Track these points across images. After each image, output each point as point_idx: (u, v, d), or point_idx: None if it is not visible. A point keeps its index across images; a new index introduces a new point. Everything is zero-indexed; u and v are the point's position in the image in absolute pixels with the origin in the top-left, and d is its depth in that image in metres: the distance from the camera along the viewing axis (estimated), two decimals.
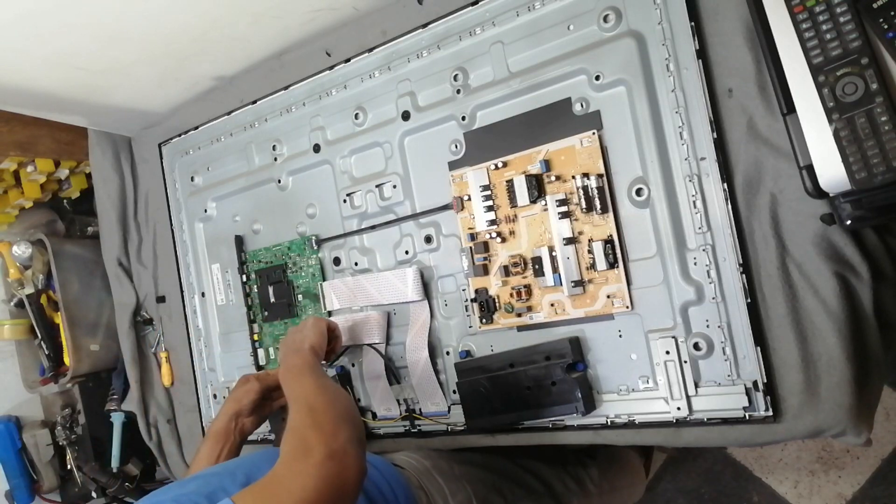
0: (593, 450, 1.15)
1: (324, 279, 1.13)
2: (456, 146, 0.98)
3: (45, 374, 1.49)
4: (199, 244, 1.31)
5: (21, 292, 1.49)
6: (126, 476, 1.50)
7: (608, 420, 0.88)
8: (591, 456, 1.14)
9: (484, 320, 0.95)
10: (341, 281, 1.10)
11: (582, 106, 0.88)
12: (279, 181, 1.18)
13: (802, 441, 1.36)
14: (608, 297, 0.86)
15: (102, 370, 1.49)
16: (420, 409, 1.04)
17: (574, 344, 0.88)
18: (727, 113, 0.79)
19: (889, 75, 0.64)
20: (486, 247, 0.95)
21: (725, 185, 0.79)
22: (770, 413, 0.77)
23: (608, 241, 0.85)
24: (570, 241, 0.88)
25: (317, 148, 1.12)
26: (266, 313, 1.20)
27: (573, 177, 0.87)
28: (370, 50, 1.05)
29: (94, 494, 1.51)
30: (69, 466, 1.55)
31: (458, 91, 0.97)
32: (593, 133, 0.86)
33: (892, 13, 0.64)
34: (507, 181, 0.92)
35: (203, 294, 1.30)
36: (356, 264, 1.10)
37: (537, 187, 0.90)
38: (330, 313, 1.12)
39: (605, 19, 0.85)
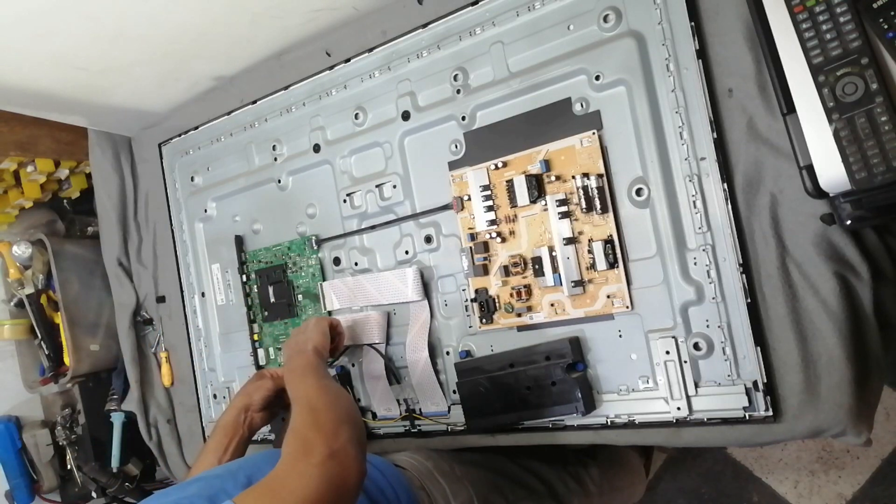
0: (593, 450, 1.15)
1: (324, 279, 1.13)
2: (456, 146, 0.98)
3: (45, 374, 1.49)
4: (199, 244, 1.31)
5: (21, 292, 1.49)
6: (126, 476, 1.50)
7: (608, 420, 0.88)
8: (591, 456, 1.14)
9: (484, 320, 0.95)
10: (341, 281, 1.10)
11: (582, 106, 0.88)
12: (279, 181, 1.18)
13: (802, 441, 1.36)
14: (608, 297, 0.86)
15: (102, 370, 1.49)
16: (420, 409, 1.04)
17: (574, 344, 0.88)
18: (727, 113, 0.79)
19: (889, 75, 0.64)
20: (486, 247, 0.95)
21: (725, 185, 0.79)
22: (770, 413, 0.77)
23: (608, 241, 0.85)
24: (570, 241, 0.88)
25: (317, 148, 1.12)
26: (266, 313, 1.20)
27: (573, 177, 0.87)
28: (370, 50, 1.05)
29: (94, 494, 1.51)
30: (69, 466, 1.55)
31: (458, 91, 0.97)
32: (593, 133, 0.86)
33: (892, 13, 0.64)
34: (507, 181, 0.92)
35: (203, 294, 1.30)
36: (356, 264, 1.10)
37: (537, 187, 0.90)
38: (330, 313, 1.12)
39: (605, 19, 0.85)
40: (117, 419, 1.47)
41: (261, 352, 1.22)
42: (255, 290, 1.22)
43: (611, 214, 0.85)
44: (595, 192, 0.85)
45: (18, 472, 1.53)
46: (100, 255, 1.44)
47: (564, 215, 0.88)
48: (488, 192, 0.94)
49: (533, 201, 0.90)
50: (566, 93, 0.89)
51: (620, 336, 0.87)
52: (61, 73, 1.09)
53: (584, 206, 0.86)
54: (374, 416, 1.09)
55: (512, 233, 0.93)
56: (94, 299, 1.46)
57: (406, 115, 1.02)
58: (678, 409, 0.82)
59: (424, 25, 0.99)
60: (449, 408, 1.01)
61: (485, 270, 0.95)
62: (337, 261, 1.12)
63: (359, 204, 1.09)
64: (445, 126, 0.99)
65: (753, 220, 0.79)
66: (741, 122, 0.79)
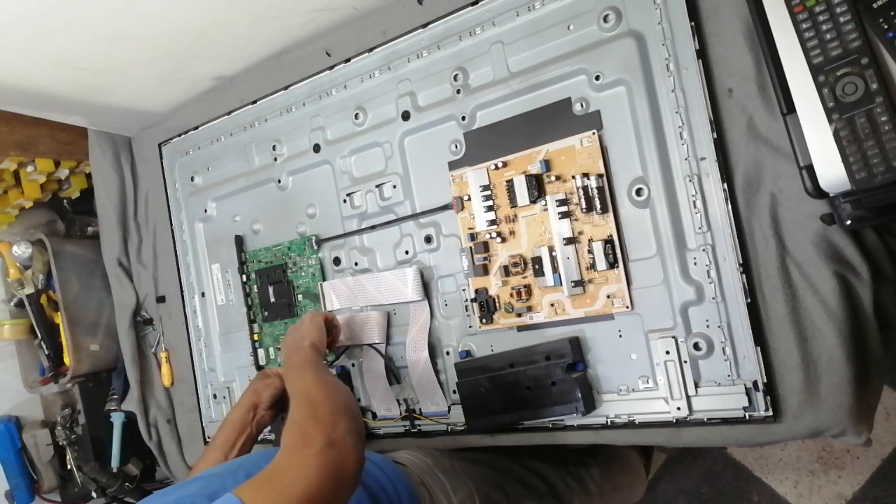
0: (594, 449, 1.15)
1: (324, 279, 1.13)
2: (456, 146, 0.98)
3: (45, 374, 1.49)
4: (199, 244, 1.31)
5: (21, 292, 1.49)
6: (126, 476, 1.50)
7: (608, 420, 0.88)
8: (591, 456, 1.14)
9: (484, 320, 0.95)
10: (341, 281, 1.10)
11: (582, 106, 0.88)
12: (279, 181, 1.18)
13: (802, 441, 1.36)
14: (608, 297, 0.86)
15: (102, 370, 1.49)
16: (420, 409, 1.04)
17: (574, 344, 0.88)
18: (727, 113, 0.79)
19: (889, 75, 0.64)
20: (486, 247, 0.95)
21: (725, 185, 0.79)
22: (770, 413, 0.77)
23: (608, 241, 0.85)
24: (570, 241, 0.88)
25: (317, 148, 1.12)
26: (266, 313, 1.20)
27: (573, 177, 0.87)
28: (370, 50, 1.05)
29: (94, 494, 1.51)
30: (69, 466, 1.55)
31: (458, 91, 0.97)
32: (593, 133, 0.86)
33: (892, 13, 0.64)
34: (507, 181, 0.92)
35: (203, 294, 1.30)
36: (356, 264, 1.10)
37: (537, 187, 0.90)
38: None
39: (605, 19, 0.85)
40: (117, 419, 1.47)
41: (261, 352, 1.22)
42: (255, 290, 1.22)
43: (611, 214, 0.85)
44: (595, 192, 0.85)
45: (18, 472, 1.53)
46: (100, 255, 1.44)
47: (564, 215, 0.88)
48: (488, 192, 0.94)
49: (533, 201, 0.90)
50: (566, 93, 0.89)
51: (620, 336, 0.87)
52: (61, 73, 1.09)
53: (584, 206, 0.86)
54: (374, 416, 1.09)
55: (512, 233, 0.93)
56: (94, 299, 1.46)
57: (406, 115, 1.02)
58: (678, 409, 0.82)
59: (424, 25, 0.99)
60: (449, 408, 1.01)
61: (485, 270, 0.95)
62: (337, 261, 1.12)
63: (359, 204, 1.09)
64: (445, 126, 0.99)
65: (753, 220, 0.79)
66: (741, 122, 0.79)
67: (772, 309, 0.78)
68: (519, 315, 0.93)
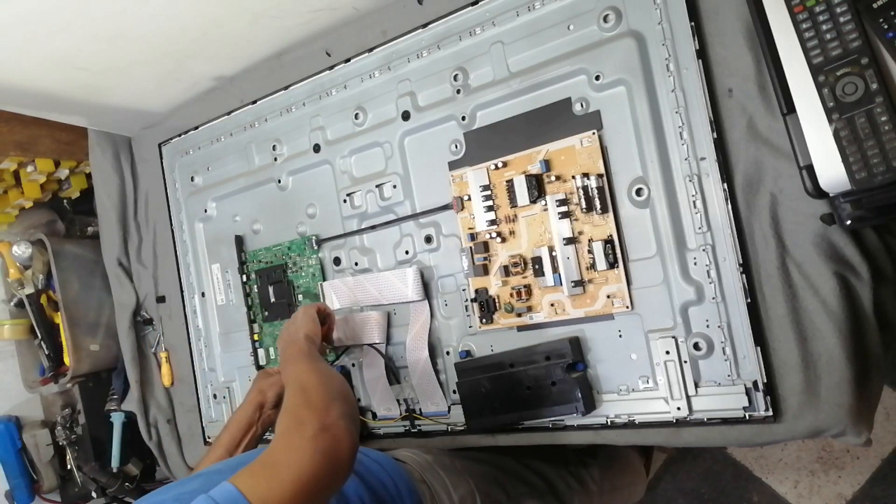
0: (594, 449, 1.15)
1: (324, 279, 1.14)
2: (456, 146, 0.98)
3: (45, 374, 1.49)
4: (199, 244, 1.31)
5: (21, 292, 1.49)
6: (126, 476, 1.50)
7: (608, 420, 0.88)
8: (592, 455, 1.14)
9: (484, 320, 0.95)
10: (341, 281, 1.10)
11: (582, 106, 0.88)
12: (279, 181, 1.18)
13: (802, 441, 1.36)
14: (608, 297, 0.86)
15: (102, 370, 1.49)
16: (420, 409, 1.04)
17: (574, 344, 0.88)
18: (727, 113, 0.79)
19: (889, 75, 0.64)
20: (486, 247, 0.95)
21: (725, 185, 0.79)
22: (770, 413, 0.77)
23: (608, 241, 0.85)
24: (570, 241, 0.88)
25: (317, 148, 1.12)
26: (266, 313, 1.20)
27: (573, 177, 0.87)
28: (370, 50, 1.05)
29: (94, 494, 1.51)
30: (69, 466, 1.55)
31: (458, 91, 0.97)
32: (593, 133, 0.86)
33: (892, 13, 0.64)
34: (507, 181, 0.92)
35: (203, 294, 1.30)
36: (356, 264, 1.10)
37: (537, 187, 0.90)
38: None
39: (605, 19, 0.85)
40: (117, 419, 1.47)
41: (261, 352, 1.22)
42: (256, 290, 1.22)
43: (611, 214, 0.85)
44: (595, 192, 0.85)
45: (18, 472, 1.53)
46: (100, 255, 1.44)
47: (564, 215, 0.88)
48: (488, 192, 0.94)
49: (533, 201, 0.90)
50: (566, 93, 0.89)
51: (620, 336, 0.87)
52: (61, 73, 1.09)
53: (584, 206, 0.86)
54: (374, 416, 1.09)
55: (512, 233, 0.93)
56: (94, 299, 1.46)
57: (406, 115, 1.02)
58: (678, 409, 0.82)
59: (424, 25, 0.99)
60: (449, 408, 1.01)
61: (485, 270, 0.95)
62: (337, 261, 1.12)
63: (359, 204, 1.09)
64: (445, 126, 0.99)
65: (753, 220, 0.79)
66: (741, 122, 0.79)
67: (772, 309, 0.78)
68: (519, 315, 0.93)
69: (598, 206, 0.85)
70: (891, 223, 0.77)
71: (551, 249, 0.89)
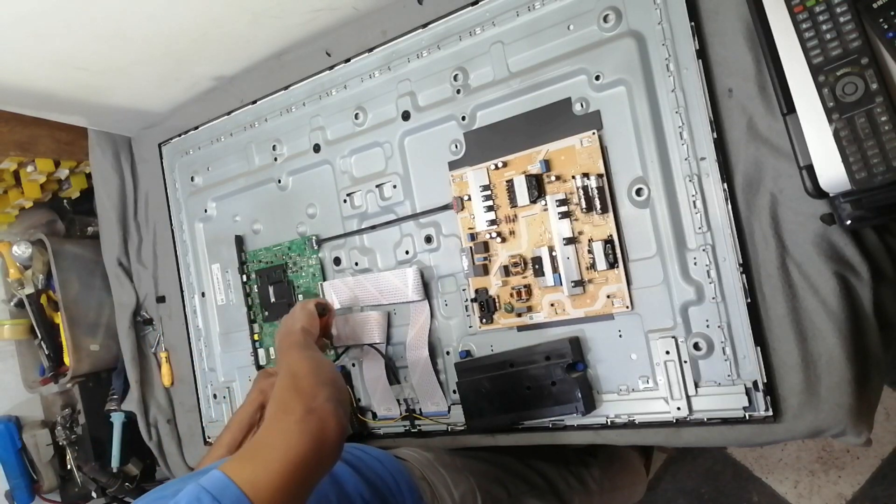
0: (594, 449, 1.15)
1: (324, 279, 1.14)
2: (456, 146, 0.98)
3: (45, 374, 1.49)
4: (199, 244, 1.31)
5: (21, 292, 1.49)
6: (126, 476, 1.50)
7: (608, 420, 0.88)
8: (592, 455, 1.14)
9: (484, 320, 0.95)
10: (342, 281, 1.10)
11: (582, 106, 0.88)
12: (279, 181, 1.18)
13: (802, 441, 1.36)
14: (608, 297, 0.86)
15: (102, 370, 1.49)
16: (420, 409, 1.04)
17: (574, 344, 0.88)
18: (727, 113, 0.79)
19: (889, 75, 0.64)
20: (486, 247, 0.95)
21: (725, 185, 0.79)
22: (770, 413, 0.77)
23: (608, 241, 0.85)
24: (570, 241, 0.88)
25: (317, 148, 1.12)
26: (266, 313, 1.20)
27: (573, 177, 0.87)
28: (370, 50, 1.05)
29: (94, 494, 1.51)
30: (69, 466, 1.55)
31: (458, 91, 0.97)
32: (593, 133, 0.86)
33: (892, 13, 0.64)
34: (507, 181, 0.92)
35: (203, 294, 1.30)
36: (356, 264, 1.10)
37: (537, 187, 0.90)
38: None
39: (605, 19, 0.85)
40: (117, 419, 1.47)
41: (261, 352, 1.22)
42: (256, 290, 1.22)
43: (611, 214, 0.85)
44: (595, 192, 0.85)
45: (18, 472, 1.53)
46: (100, 255, 1.44)
47: (564, 215, 0.88)
48: (488, 192, 0.94)
49: (533, 201, 0.90)
50: (566, 93, 0.89)
51: (620, 336, 0.87)
52: (61, 73, 1.09)
53: (584, 206, 0.86)
54: (374, 416, 1.09)
55: (512, 233, 0.93)
56: (94, 299, 1.46)
57: (406, 115, 1.02)
58: (678, 409, 0.82)
59: (424, 25, 0.99)
60: (449, 408, 1.01)
61: (485, 270, 0.95)
62: (337, 261, 1.12)
63: (359, 204, 1.09)
64: (445, 126, 0.99)
65: (753, 220, 0.79)
66: (741, 122, 0.79)
67: (772, 309, 0.78)
68: (519, 315, 0.93)
69: (598, 206, 0.85)
70: (891, 223, 0.77)
71: (551, 249, 0.89)
